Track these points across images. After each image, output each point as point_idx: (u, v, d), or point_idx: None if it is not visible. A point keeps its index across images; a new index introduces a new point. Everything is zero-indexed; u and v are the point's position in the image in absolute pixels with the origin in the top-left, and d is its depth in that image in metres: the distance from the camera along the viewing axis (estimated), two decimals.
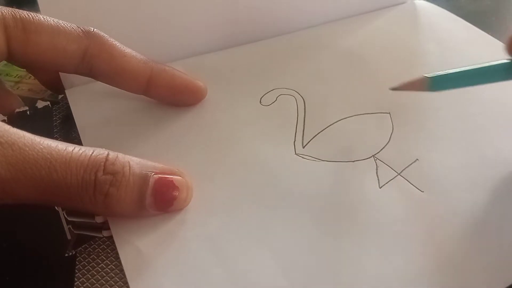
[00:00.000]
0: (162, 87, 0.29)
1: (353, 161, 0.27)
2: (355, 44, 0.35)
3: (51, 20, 0.26)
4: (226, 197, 0.25)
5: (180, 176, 0.24)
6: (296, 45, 0.35)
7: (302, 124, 0.29)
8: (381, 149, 0.28)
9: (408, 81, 0.26)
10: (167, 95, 0.29)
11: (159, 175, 0.23)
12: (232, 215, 0.24)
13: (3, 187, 0.20)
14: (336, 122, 0.29)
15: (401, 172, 0.26)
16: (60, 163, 0.21)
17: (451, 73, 0.25)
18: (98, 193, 0.21)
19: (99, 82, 0.29)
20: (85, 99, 0.31)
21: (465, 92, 0.27)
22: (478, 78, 0.25)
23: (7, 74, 0.37)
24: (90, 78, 0.28)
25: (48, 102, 0.31)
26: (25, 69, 0.36)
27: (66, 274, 0.23)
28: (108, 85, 0.28)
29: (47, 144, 0.21)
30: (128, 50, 0.28)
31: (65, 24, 0.26)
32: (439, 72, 0.25)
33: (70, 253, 0.24)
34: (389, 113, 0.30)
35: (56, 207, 0.25)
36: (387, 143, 0.28)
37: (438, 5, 0.39)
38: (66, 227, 0.25)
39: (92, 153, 0.22)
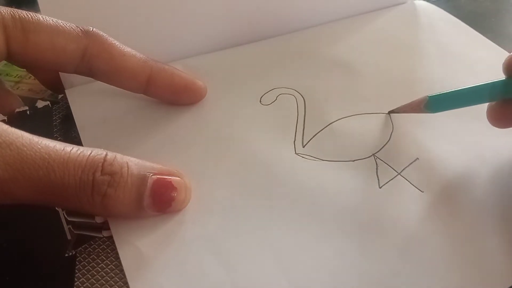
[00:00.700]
0: (161, 86, 0.29)
1: (353, 161, 0.27)
2: (355, 44, 0.35)
3: (50, 19, 0.26)
4: (225, 197, 0.25)
5: (178, 177, 0.24)
6: (296, 45, 0.35)
7: (302, 123, 0.29)
8: (381, 148, 0.28)
9: (406, 104, 0.28)
10: (167, 94, 0.29)
11: (158, 176, 0.23)
12: (232, 215, 0.24)
13: (1, 187, 0.20)
14: (336, 121, 0.29)
15: (401, 171, 0.26)
16: (58, 163, 0.21)
17: (448, 93, 0.26)
18: (96, 194, 0.21)
19: (99, 82, 0.29)
20: (85, 99, 0.31)
21: None
22: (475, 97, 0.25)
23: (7, 74, 0.37)
24: (90, 78, 0.28)
25: (48, 102, 0.31)
26: (25, 69, 0.36)
27: (66, 274, 0.23)
28: (107, 84, 0.28)
29: (45, 144, 0.21)
30: (127, 49, 0.28)
31: (64, 24, 0.26)
32: (437, 93, 0.26)
33: (70, 253, 0.24)
34: (389, 113, 0.30)
35: (56, 207, 0.25)
36: (387, 142, 0.28)
37: (438, 5, 0.39)
38: (66, 227, 0.25)
39: (90, 153, 0.22)
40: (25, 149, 0.20)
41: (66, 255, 0.24)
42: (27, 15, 0.26)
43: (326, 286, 0.22)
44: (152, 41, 0.33)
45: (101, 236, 0.24)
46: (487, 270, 0.22)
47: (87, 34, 0.27)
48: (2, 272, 0.23)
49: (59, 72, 0.31)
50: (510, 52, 0.26)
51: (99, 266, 0.23)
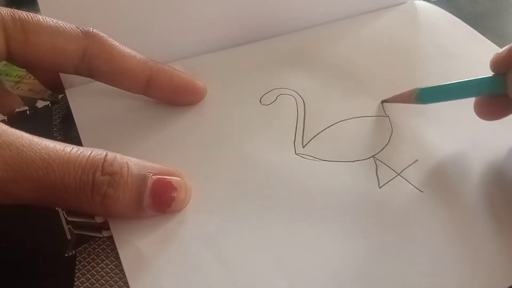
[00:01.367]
0: (161, 86, 0.29)
1: (353, 161, 0.27)
2: (355, 45, 0.35)
3: (50, 20, 0.26)
4: (225, 197, 0.25)
5: (178, 177, 0.24)
6: (296, 45, 0.35)
7: (302, 124, 0.29)
8: (381, 150, 0.28)
9: (398, 94, 0.29)
10: (167, 95, 0.29)
11: (158, 176, 0.23)
12: (232, 215, 0.24)
13: (0, 188, 0.20)
14: (336, 123, 0.29)
15: (400, 172, 0.26)
16: (58, 164, 0.21)
17: (438, 87, 0.27)
18: (96, 194, 0.21)
19: (98, 82, 0.29)
20: (85, 99, 0.31)
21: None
22: (463, 91, 0.27)
23: (7, 74, 0.37)
24: (90, 78, 0.28)
25: (48, 102, 0.31)
26: (25, 69, 0.36)
27: (66, 274, 0.23)
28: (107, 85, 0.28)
29: (45, 144, 0.21)
30: (127, 50, 0.28)
31: (65, 25, 0.26)
32: (427, 86, 0.27)
33: (70, 253, 0.24)
34: (388, 116, 0.30)
35: (56, 207, 0.25)
36: (386, 144, 0.28)
37: (438, 5, 0.39)
38: (66, 227, 0.25)
39: (90, 153, 0.22)
40: (25, 149, 0.20)
41: (66, 255, 0.24)
42: (27, 15, 0.26)
43: (326, 286, 0.22)
44: (152, 41, 0.33)
45: (101, 236, 0.24)
46: (487, 270, 0.22)
47: (87, 34, 0.27)
48: (2, 272, 0.23)
49: (59, 72, 0.31)
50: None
51: (99, 266, 0.23)
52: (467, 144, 0.28)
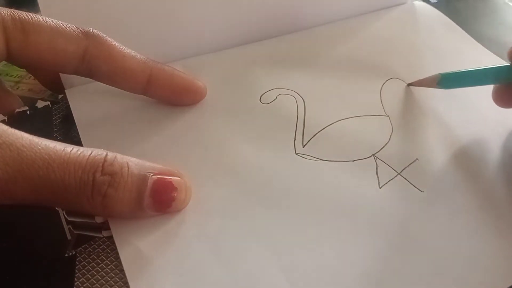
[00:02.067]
0: (161, 86, 0.29)
1: (353, 161, 0.27)
2: (355, 45, 0.35)
3: (50, 20, 0.26)
4: (225, 196, 0.25)
5: (179, 177, 0.24)
6: (296, 45, 0.35)
7: (302, 123, 0.29)
8: (381, 149, 0.28)
9: (421, 79, 0.31)
10: (167, 95, 0.29)
11: (158, 176, 0.23)
12: (232, 215, 0.24)
13: (0, 188, 0.20)
14: (335, 122, 0.29)
15: (401, 171, 0.26)
16: (58, 164, 0.21)
17: (459, 72, 0.29)
18: (96, 194, 0.21)
19: (98, 82, 0.29)
20: (85, 99, 0.31)
21: (464, 100, 0.30)
22: (482, 78, 0.29)
23: (7, 74, 0.37)
24: (90, 78, 0.28)
25: (48, 102, 0.31)
26: (25, 69, 0.36)
27: (66, 274, 0.23)
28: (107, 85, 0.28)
29: (45, 144, 0.21)
30: (127, 50, 0.28)
31: (64, 25, 0.26)
32: (448, 72, 0.29)
33: (70, 253, 0.24)
34: (388, 116, 0.30)
35: (56, 207, 0.25)
36: (387, 143, 0.28)
37: (437, 7, 0.39)
38: (66, 227, 0.25)
39: (91, 153, 0.22)
40: (25, 149, 0.20)
41: (66, 255, 0.24)
42: (27, 16, 0.26)
43: (326, 286, 0.22)
44: (152, 41, 0.33)
45: (101, 236, 0.24)
46: (487, 270, 0.22)
47: (87, 35, 0.27)
48: (2, 272, 0.23)
49: (59, 73, 0.31)
50: (502, 56, 0.29)
51: (99, 266, 0.23)
52: (467, 144, 0.28)
